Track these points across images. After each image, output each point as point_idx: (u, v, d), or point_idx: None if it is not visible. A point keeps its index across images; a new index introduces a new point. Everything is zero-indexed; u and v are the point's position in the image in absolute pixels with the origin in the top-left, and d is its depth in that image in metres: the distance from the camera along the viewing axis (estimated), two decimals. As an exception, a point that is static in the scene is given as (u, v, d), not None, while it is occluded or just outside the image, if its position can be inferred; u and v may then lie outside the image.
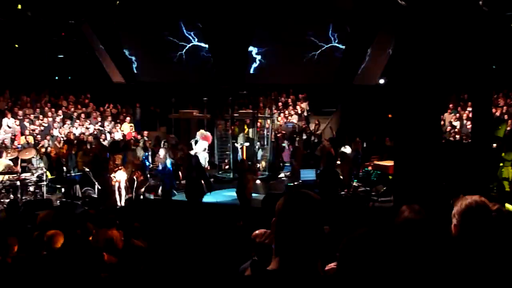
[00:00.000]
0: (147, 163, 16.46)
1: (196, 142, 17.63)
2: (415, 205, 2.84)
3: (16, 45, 21.03)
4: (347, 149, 16.47)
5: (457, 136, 19.22)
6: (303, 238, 2.15)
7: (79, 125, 21.11)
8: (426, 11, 9.38)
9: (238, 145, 19.06)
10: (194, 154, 15.87)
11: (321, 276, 2.22)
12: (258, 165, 19.36)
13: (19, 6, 15.14)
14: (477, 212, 3.08)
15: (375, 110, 21.43)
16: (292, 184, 14.47)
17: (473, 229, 3.02)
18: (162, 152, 15.42)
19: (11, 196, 13.58)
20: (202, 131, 17.88)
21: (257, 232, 2.41)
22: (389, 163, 13.79)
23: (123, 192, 14.74)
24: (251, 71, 15.13)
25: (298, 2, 13.81)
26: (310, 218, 2.18)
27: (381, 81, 20.49)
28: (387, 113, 19.25)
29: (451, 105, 22.50)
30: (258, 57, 14.79)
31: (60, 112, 21.40)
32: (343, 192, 13.19)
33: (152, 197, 15.65)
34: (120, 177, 14.59)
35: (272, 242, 2.28)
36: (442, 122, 20.09)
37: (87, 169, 15.03)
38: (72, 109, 22.18)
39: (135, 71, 16.48)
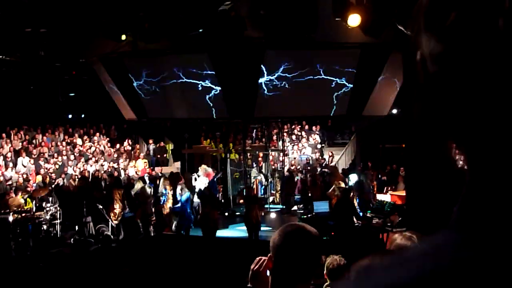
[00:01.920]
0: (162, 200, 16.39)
1: (196, 178, 17.49)
2: (407, 232, 2.80)
3: (32, 87, 21.40)
4: (351, 181, 16.42)
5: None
6: (299, 274, 2.13)
7: (94, 162, 21.26)
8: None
9: (251, 179, 19.03)
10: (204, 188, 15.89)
11: None
12: (272, 198, 19.30)
13: (42, 53, 15.45)
14: None
15: (389, 140, 21.38)
16: (305, 216, 14.35)
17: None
18: (179, 188, 15.45)
19: (25, 234, 13.60)
20: (205, 167, 17.78)
21: (256, 259, 2.39)
22: (404, 193, 13.67)
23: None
24: (262, 104, 15.16)
25: (307, 34, 13.90)
26: (307, 252, 2.15)
27: (394, 111, 20.48)
28: (402, 143, 19.18)
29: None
30: (269, 90, 14.85)
31: (76, 150, 21.64)
32: (357, 223, 13.05)
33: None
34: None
35: (265, 270, 2.27)
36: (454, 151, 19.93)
37: (100, 206, 15.06)
38: (87, 148, 22.40)
39: (147, 108, 16.58)
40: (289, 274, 2.15)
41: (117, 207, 14.82)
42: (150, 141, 24.70)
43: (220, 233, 14.41)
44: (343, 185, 15.72)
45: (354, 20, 11.91)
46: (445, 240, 0.63)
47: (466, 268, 0.56)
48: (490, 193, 0.58)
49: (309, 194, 17.21)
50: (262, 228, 14.17)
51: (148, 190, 15.55)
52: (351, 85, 15.04)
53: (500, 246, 0.55)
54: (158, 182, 17.50)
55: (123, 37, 14.10)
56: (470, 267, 0.56)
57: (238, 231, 15.41)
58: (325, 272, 4.70)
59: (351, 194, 14.13)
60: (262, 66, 14.70)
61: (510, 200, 0.56)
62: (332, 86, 15.07)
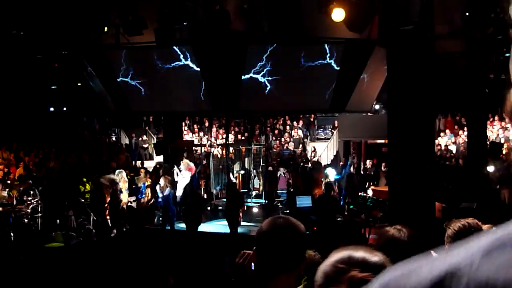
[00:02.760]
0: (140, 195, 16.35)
1: (178, 172, 17.42)
2: (398, 225, 2.82)
3: (13, 79, 21.17)
4: (330, 176, 16.48)
5: (453, 160, 19.22)
6: (282, 266, 2.13)
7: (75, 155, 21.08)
8: (418, 35, 9.45)
9: (234, 173, 19.01)
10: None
11: None
12: (255, 192, 19.32)
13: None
14: (470, 234, 3.03)
15: (372, 136, 21.49)
16: (288, 211, 14.38)
17: None
18: (162, 181, 15.38)
19: (5, 228, 13.46)
20: (186, 161, 17.72)
21: (241, 253, 2.39)
22: (386, 188, 13.75)
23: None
24: (246, 98, 15.13)
25: (291, 29, 13.90)
26: (290, 245, 2.15)
27: (377, 107, 20.58)
28: (384, 138, 19.31)
29: (447, 130, 22.59)
30: (252, 84, 14.83)
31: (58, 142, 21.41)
32: (339, 218, 13.12)
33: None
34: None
35: (249, 263, 2.27)
36: (438, 147, 20.13)
37: (82, 200, 14.95)
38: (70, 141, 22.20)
39: (129, 102, 16.46)
40: (271, 264, 2.15)
41: (108, 201, 14.63)
42: (133, 135, 24.59)
43: (202, 227, 14.38)
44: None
45: (337, 14, 11.91)
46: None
47: None
48: None
49: (291, 189, 17.27)
50: (244, 223, 14.20)
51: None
52: (335, 80, 15.08)
53: None
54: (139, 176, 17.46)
55: (106, 29, 13.98)
56: None
57: (220, 226, 15.41)
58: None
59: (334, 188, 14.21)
60: (245, 60, 14.67)
61: None
62: (316, 81, 15.09)
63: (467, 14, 12.09)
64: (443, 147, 21.18)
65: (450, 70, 16.17)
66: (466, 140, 18.27)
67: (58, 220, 14.92)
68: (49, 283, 6.84)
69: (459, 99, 17.94)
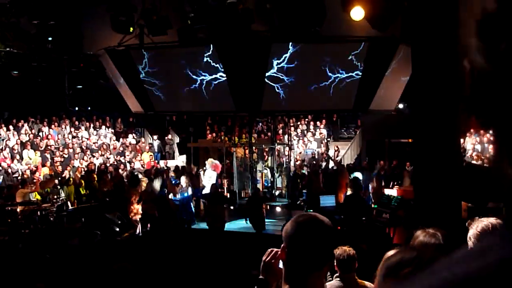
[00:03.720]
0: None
1: (205, 171, 17.49)
2: (430, 229, 2.75)
3: (39, 79, 21.41)
4: (359, 175, 16.42)
5: (479, 161, 18.98)
6: (313, 264, 2.12)
7: (100, 155, 21.31)
8: (444, 32, 9.33)
9: (257, 173, 19.00)
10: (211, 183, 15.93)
11: None
12: (278, 192, 19.29)
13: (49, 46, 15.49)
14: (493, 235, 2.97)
15: (396, 135, 21.31)
16: (311, 210, 14.34)
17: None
18: (183, 180, 15.44)
19: (31, 226, 13.66)
20: (211, 159, 17.78)
21: (268, 251, 2.38)
22: (411, 188, 13.63)
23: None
24: (269, 98, 15.12)
25: (314, 27, 13.86)
26: (320, 242, 2.14)
27: (401, 105, 20.42)
28: (408, 137, 19.14)
29: (472, 130, 22.30)
30: (275, 83, 14.80)
31: (82, 143, 21.68)
32: (364, 218, 13.05)
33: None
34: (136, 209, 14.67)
35: (277, 262, 2.26)
36: (463, 146, 19.90)
37: (107, 199, 15.11)
38: (93, 141, 22.43)
39: (153, 101, 16.55)
40: (303, 264, 2.14)
41: (135, 206, 14.73)
42: (155, 137, 24.73)
43: (226, 226, 14.42)
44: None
45: (357, 13, 11.81)
46: (495, 240, 0.62)
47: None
48: None
49: (311, 188, 17.24)
50: (268, 222, 14.23)
51: (157, 185, 15.52)
52: (358, 79, 14.98)
53: None
54: (164, 175, 17.55)
55: (131, 29, 14.08)
56: None
57: (244, 225, 15.43)
58: (335, 263, 4.69)
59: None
60: (268, 59, 14.65)
61: None
62: (339, 80, 15.00)
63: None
64: (468, 147, 20.93)
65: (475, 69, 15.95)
66: (492, 139, 18.00)
67: (82, 219, 15.10)
68: (73, 281, 6.92)
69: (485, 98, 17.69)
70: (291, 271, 2.18)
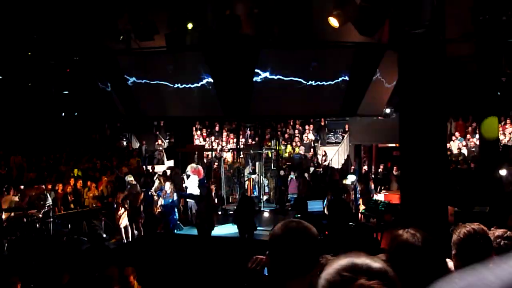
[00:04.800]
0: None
1: (188, 176, 17.42)
2: (411, 229, 2.76)
3: (29, 84, 21.34)
4: (348, 180, 16.51)
5: (465, 165, 19.11)
6: (296, 270, 2.11)
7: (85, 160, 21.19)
8: (430, 38, 9.40)
9: (244, 178, 19.01)
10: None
11: None
12: (266, 197, 19.31)
13: (29, 53, 15.41)
14: (475, 240, 3.00)
15: (383, 140, 21.40)
16: (299, 215, 14.35)
17: (472, 258, 2.92)
18: (168, 186, 15.38)
19: (17, 233, 13.54)
20: (193, 165, 17.73)
21: (253, 258, 2.37)
22: (398, 192, 13.71)
23: (129, 229, 14.72)
24: (256, 103, 15.13)
25: (301, 33, 13.90)
26: (303, 249, 2.14)
27: (387, 110, 20.52)
28: (395, 142, 19.24)
29: (457, 134, 22.47)
30: (263, 88, 14.82)
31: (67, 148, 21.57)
32: (351, 223, 13.08)
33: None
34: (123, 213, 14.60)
35: (261, 268, 2.26)
36: (449, 151, 20.03)
37: (94, 205, 15.02)
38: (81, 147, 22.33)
39: (140, 106, 16.51)
40: (285, 269, 2.13)
41: (122, 210, 14.68)
42: (143, 142, 24.66)
43: (213, 231, 14.39)
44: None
45: (334, 21, 11.90)
46: None
47: None
48: None
49: (298, 193, 17.30)
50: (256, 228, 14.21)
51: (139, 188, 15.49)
52: (346, 84, 15.05)
53: None
54: (150, 180, 17.49)
55: (121, 37, 14.03)
56: None
57: (231, 229, 15.41)
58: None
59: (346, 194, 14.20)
60: (256, 65, 14.67)
61: None
62: (327, 85, 15.06)
63: (478, 17, 12.05)
64: (455, 151, 21.08)
65: (462, 74, 16.10)
66: (477, 143, 18.15)
67: (69, 225, 15.00)
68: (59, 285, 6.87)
69: (470, 103, 17.87)
70: (274, 277, 2.17)
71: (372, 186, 17.55)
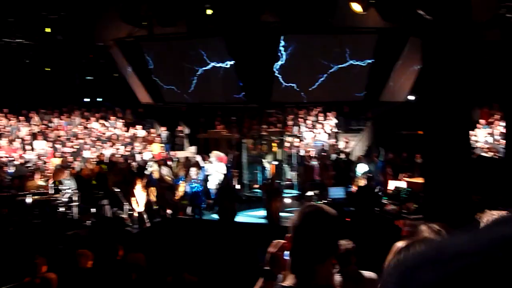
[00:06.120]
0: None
1: (208, 163, 17.38)
2: (435, 225, 2.71)
3: (47, 69, 21.51)
4: (359, 171, 16.38)
5: (490, 152, 18.84)
6: (319, 254, 2.12)
7: (110, 146, 21.36)
8: (453, 24, 9.26)
9: (266, 164, 19.00)
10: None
11: None
12: (287, 183, 19.31)
13: (48, 30, 15.49)
14: None
15: (405, 127, 21.20)
16: (321, 202, 14.34)
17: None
18: (193, 171, 15.45)
19: (42, 216, 13.77)
20: (216, 152, 17.73)
21: (274, 242, 2.39)
22: (420, 180, 13.57)
23: (144, 215, 14.87)
24: (278, 89, 15.09)
25: (322, 19, 13.80)
26: (325, 233, 2.14)
27: (410, 97, 20.31)
28: (418, 129, 19.04)
29: (483, 121, 22.15)
30: (285, 75, 14.76)
31: (92, 133, 21.75)
32: (377, 209, 13.05)
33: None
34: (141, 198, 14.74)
35: (283, 253, 2.27)
36: (475, 138, 19.79)
37: (117, 190, 15.16)
38: (103, 132, 22.49)
39: (163, 93, 16.58)
40: (307, 254, 2.14)
41: (141, 196, 14.81)
42: (163, 128, 24.72)
43: (236, 218, 14.45)
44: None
45: (357, 7, 11.81)
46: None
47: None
48: None
49: (320, 180, 17.23)
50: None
51: (165, 173, 15.59)
52: (369, 70, 14.93)
53: None
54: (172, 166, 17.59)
55: (143, 23, 14.08)
56: None
57: (254, 216, 15.46)
58: None
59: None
60: (278, 50, 14.62)
61: None
62: (349, 71, 14.96)
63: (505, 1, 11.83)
64: (480, 139, 20.78)
65: (488, 60, 15.83)
66: (504, 131, 17.87)
67: (93, 210, 15.18)
68: (85, 271, 6.97)
69: (496, 89, 17.60)
70: (296, 262, 2.18)
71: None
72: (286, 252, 2.27)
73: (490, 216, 3.02)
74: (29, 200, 13.90)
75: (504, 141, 16.20)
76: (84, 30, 16.23)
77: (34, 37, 16.45)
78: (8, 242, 10.88)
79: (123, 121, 24.40)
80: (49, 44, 16.95)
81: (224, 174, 16.40)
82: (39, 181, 15.00)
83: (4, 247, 10.09)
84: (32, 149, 19.61)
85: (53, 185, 14.95)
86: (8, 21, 15.82)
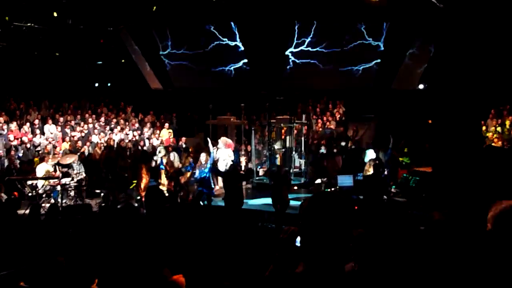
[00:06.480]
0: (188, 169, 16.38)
1: (218, 149, 17.33)
2: (445, 211, 2.73)
3: (57, 53, 21.51)
4: (366, 158, 16.29)
5: (499, 142, 18.75)
6: (329, 241, 2.12)
7: (119, 131, 21.41)
8: (465, 14, 9.20)
9: (275, 151, 19.00)
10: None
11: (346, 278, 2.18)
12: (295, 170, 19.31)
13: (55, 14, 15.46)
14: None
15: (414, 116, 21.10)
16: (329, 190, 14.34)
17: (507, 233, 2.89)
18: (203, 157, 15.45)
19: (52, 200, 13.85)
20: (225, 138, 17.68)
21: (285, 228, 2.39)
22: (429, 169, 13.52)
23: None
24: (288, 76, 15.05)
25: (335, 6, 13.72)
26: (336, 219, 2.14)
27: (421, 86, 20.17)
28: (427, 118, 18.94)
29: (493, 111, 22.01)
30: (295, 62, 14.71)
31: (101, 119, 21.80)
32: (385, 197, 13.05)
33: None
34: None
35: (293, 239, 2.27)
36: (484, 128, 19.68)
37: (126, 175, 15.22)
38: (112, 117, 22.53)
39: (172, 78, 16.57)
40: (318, 240, 2.14)
41: (145, 181, 14.86)
42: (173, 114, 24.73)
43: (245, 204, 14.46)
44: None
45: None
46: None
47: None
48: None
49: (328, 168, 17.20)
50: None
51: (174, 159, 15.60)
52: (379, 58, 14.87)
53: None
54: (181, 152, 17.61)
55: (154, 8, 14.06)
56: None
57: (261, 203, 15.47)
58: None
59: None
60: (289, 38, 14.57)
61: None
62: (360, 59, 14.91)
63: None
64: (490, 129, 20.66)
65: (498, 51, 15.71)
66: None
67: (102, 194, 15.26)
68: (96, 255, 7.00)
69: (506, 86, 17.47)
70: (308, 249, 2.18)
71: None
72: (298, 239, 2.28)
73: (499, 205, 3.03)
74: (38, 183, 14.00)
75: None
76: (94, 15, 16.20)
77: (44, 21, 16.42)
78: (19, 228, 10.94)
79: (132, 107, 24.45)
80: (59, 28, 16.93)
81: (232, 161, 16.38)
82: (48, 165, 15.07)
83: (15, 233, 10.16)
84: (42, 134, 19.70)
85: (62, 168, 15.03)
86: (19, 5, 15.82)
